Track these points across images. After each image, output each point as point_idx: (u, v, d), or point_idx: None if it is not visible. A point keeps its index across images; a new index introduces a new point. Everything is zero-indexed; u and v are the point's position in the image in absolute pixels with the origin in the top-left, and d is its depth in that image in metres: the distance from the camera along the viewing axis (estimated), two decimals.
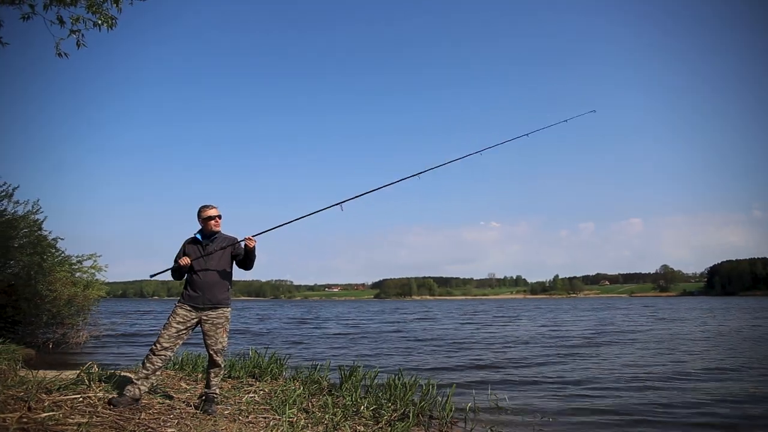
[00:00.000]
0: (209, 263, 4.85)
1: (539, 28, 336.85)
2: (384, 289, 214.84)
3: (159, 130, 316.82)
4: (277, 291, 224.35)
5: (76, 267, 14.05)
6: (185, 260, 4.76)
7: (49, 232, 13.74)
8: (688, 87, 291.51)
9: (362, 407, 5.57)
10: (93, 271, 14.21)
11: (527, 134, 6.99)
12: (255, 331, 22.58)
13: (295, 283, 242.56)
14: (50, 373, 5.70)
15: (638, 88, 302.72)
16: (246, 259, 5.02)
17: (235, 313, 38.86)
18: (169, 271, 4.84)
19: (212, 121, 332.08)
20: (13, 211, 13.20)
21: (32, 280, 12.50)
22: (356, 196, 5.71)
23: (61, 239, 13.91)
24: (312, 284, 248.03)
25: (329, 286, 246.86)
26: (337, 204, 5.57)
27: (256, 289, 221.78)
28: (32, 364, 9.22)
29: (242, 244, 4.97)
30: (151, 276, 4.94)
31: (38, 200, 13.60)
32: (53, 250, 13.52)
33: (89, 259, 14.31)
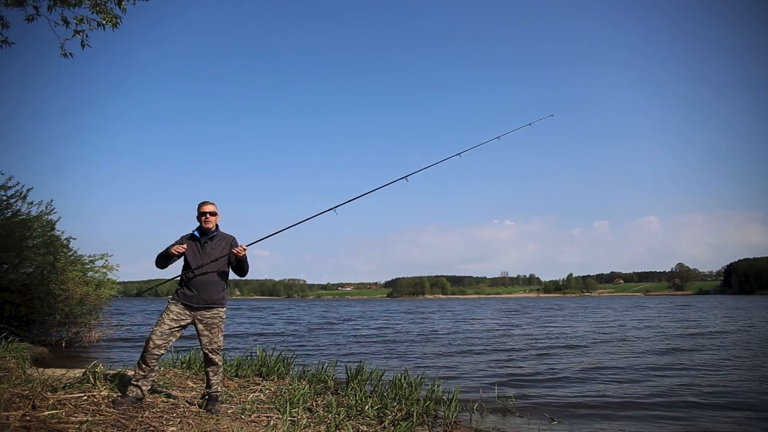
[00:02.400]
0: (206, 262, 4.81)
1: (544, 30, 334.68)
2: (397, 288, 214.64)
3: (165, 129, 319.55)
4: (290, 290, 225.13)
5: (89, 267, 14.20)
6: (180, 248, 4.69)
7: (62, 232, 13.93)
8: (705, 84, 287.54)
9: (366, 406, 5.55)
10: (105, 270, 14.36)
11: (498, 137, 7.55)
12: (273, 332, 22.62)
13: (309, 282, 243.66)
14: (58, 372, 5.76)
15: (653, 87, 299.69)
16: (237, 266, 5.01)
17: (247, 313, 39.14)
18: (156, 260, 4.77)
19: (215, 121, 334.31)
20: (27, 211, 13.40)
21: (45, 279, 12.67)
22: (349, 201, 5.87)
23: (73, 239, 14.09)
24: (325, 283, 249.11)
25: (342, 285, 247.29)
26: (331, 209, 5.65)
27: (269, 288, 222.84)
28: (45, 362, 9.34)
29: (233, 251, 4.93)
30: (136, 294, 5.05)
31: (52, 201, 13.80)
32: (66, 250, 13.68)
33: (101, 258, 14.47)
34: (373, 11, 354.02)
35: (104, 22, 5.61)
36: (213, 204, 4.97)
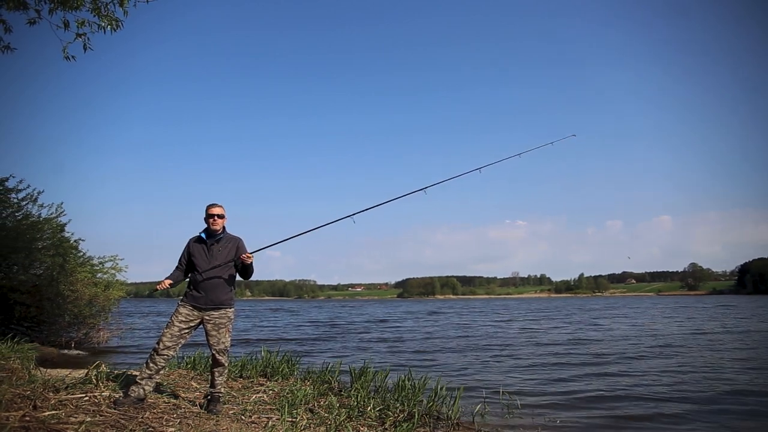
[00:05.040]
0: (213, 264, 4.86)
1: (553, 34, 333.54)
2: (407, 288, 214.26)
3: (164, 129, 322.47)
4: (300, 291, 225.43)
5: (98, 268, 14.30)
6: (164, 285, 4.81)
7: (72, 234, 14.05)
8: (721, 80, 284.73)
9: (369, 407, 5.53)
10: (113, 271, 14.45)
11: (519, 154, 7.58)
12: (285, 336, 22.62)
13: (319, 282, 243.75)
14: (63, 372, 5.80)
15: (669, 83, 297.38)
16: (243, 271, 5.05)
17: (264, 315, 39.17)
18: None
19: (215, 121, 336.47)
20: (37, 213, 13.53)
21: (55, 281, 12.77)
22: (367, 209, 5.97)
23: (82, 240, 14.19)
24: (335, 284, 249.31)
25: (352, 285, 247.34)
26: (348, 216, 5.77)
27: (280, 289, 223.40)
28: (54, 362, 9.43)
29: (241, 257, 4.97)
30: (150, 293, 5.16)
31: (62, 203, 13.91)
32: (75, 251, 13.78)
33: (110, 260, 14.56)
34: (373, 11, 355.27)
35: (104, 25, 5.66)
36: (221, 206, 5.02)
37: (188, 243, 5.02)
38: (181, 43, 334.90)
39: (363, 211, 5.83)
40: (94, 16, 5.65)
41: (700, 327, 22.22)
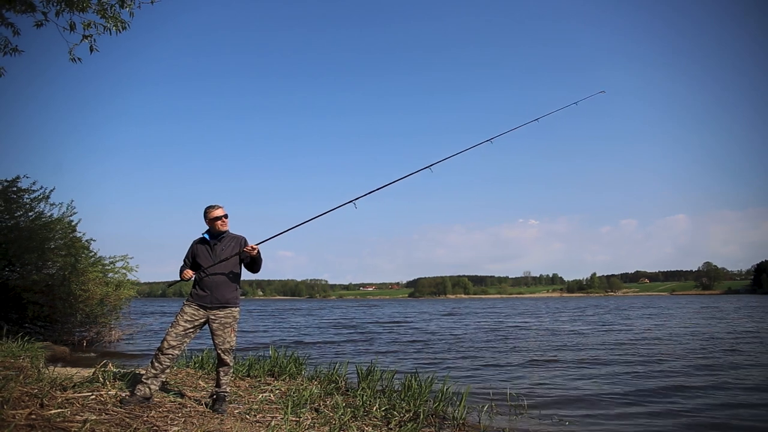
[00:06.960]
0: (217, 263, 4.88)
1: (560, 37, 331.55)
2: (418, 288, 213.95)
3: (164, 129, 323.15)
4: (312, 291, 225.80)
5: (109, 268, 14.41)
6: (188, 274, 4.83)
7: (83, 234, 14.16)
8: (736, 79, 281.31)
9: (374, 407, 5.52)
10: (124, 271, 14.55)
11: (537, 119, 7.33)
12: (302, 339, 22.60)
13: (331, 282, 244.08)
14: (72, 371, 5.85)
15: (682, 79, 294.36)
16: (252, 263, 5.06)
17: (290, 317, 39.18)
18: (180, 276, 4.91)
19: (214, 120, 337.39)
20: (49, 213, 13.66)
21: (66, 280, 12.88)
22: (369, 193, 5.73)
23: (93, 240, 14.31)
24: (347, 284, 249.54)
25: (364, 285, 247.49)
26: (349, 202, 5.59)
27: (291, 289, 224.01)
28: (66, 361, 9.54)
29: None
30: (168, 285, 5.15)
31: (72, 202, 14.02)
32: (86, 251, 13.89)
33: (121, 260, 14.66)
34: (380, 12, 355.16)
35: (110, 26, 5.70)
36: (222, 207, 5.04)
37: (192, 245, 5.05)
38: (181, 44, 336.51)
39: (365, 195, 5.64)
40: (100, 18, 5.70)
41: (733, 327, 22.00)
